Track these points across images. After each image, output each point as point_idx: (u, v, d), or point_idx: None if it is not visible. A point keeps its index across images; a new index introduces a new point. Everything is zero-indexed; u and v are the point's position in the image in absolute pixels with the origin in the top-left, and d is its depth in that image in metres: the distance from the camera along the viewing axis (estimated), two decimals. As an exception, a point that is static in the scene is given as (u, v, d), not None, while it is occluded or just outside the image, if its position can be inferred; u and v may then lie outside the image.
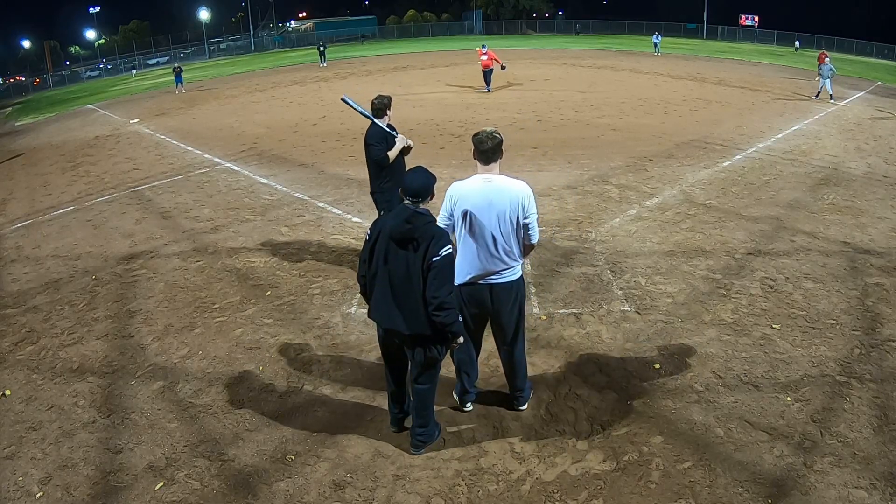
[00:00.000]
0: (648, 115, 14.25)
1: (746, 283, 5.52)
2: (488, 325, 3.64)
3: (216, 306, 5.42)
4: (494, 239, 3.28)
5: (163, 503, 3.23)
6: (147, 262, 6.57)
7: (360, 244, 6.51)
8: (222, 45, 62.70)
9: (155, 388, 4.25)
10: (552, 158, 10.15)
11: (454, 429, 3.69)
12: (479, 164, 3.35)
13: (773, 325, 4.76)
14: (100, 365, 4.60)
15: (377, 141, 5.07)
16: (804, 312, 4.97)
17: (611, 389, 4.01)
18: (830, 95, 16.86)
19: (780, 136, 11.98)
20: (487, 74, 18.47)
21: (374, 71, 27.06)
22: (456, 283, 3.25)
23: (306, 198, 8.52)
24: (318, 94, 19.97)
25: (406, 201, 3.10)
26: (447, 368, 3.87)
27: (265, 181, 9.55)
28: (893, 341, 4.52)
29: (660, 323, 4.84)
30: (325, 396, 4.05)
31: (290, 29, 76.19)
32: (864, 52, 41.34)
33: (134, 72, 46.13)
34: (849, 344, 4.49)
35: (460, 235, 3.34)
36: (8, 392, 4.31)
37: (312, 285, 5.71)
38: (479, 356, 4.39)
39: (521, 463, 3.41)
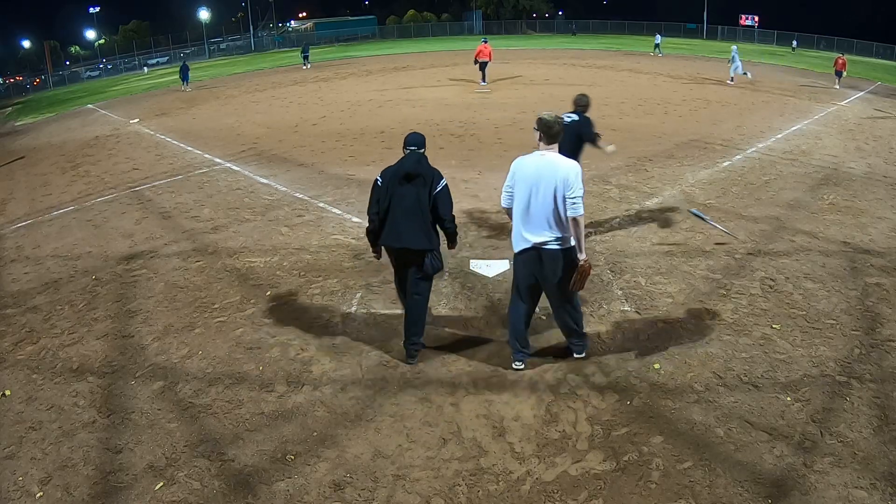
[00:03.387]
0: (648, 115, 14.25)
1: (746, 283, 5.52)
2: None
3: (216, 306, 5.42)
4: (542, 207, 3.71)
5: (163, 503, 3.23)
6: (147, 262, 6.56)
7: (360, 243, 6.56)
8: (222, 45, 62.74)
9: (155, 388, 4.25)
10: (552, 158, 10.14)
11: (454, 428, 3.69)
12: (541, 144, 3.80)
13: (773, 325, 4.76)
14: (100, 365, 4.60)
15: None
16: (804, 312, 4.96)
17: (611, 389, 4.01)
18: (745, 75, 20.05)
19: (780, 136, 11.98)
20: (482, 66, 19.18)
21: (375, 71, 27.06)
22: (515, 251, 3.93)
23: (306, 198, 8.52)
24: (318, 94, 19.97)
25: (410, 149, 4.12)
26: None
27: (265, 181, 9.55)
28: (893, 341, 4.52)
29: (660, 323, 4.84)
30: (325, 396, 4.05)
31: (290, 29, 76.19)
32: (864, 52, 41.32)
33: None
34: (849, 344, 4.49)
35: (516, 203, 3.83)
36: (8, 392, 4.31)
37: (312, 285, 5.71)
38: (481, 357, 4.42)
39: (521, 463, 3.41)
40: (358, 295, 5.45)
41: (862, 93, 19.47)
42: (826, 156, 10.32)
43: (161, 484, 3.35)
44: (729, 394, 3.92)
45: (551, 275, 3.86)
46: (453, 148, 11.11)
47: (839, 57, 20.60)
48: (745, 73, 20.19)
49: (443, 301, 5.26)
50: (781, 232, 6.76)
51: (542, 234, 3.77)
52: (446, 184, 4.10)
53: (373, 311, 5.17)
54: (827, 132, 12.47)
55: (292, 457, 3.51)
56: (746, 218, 7.21)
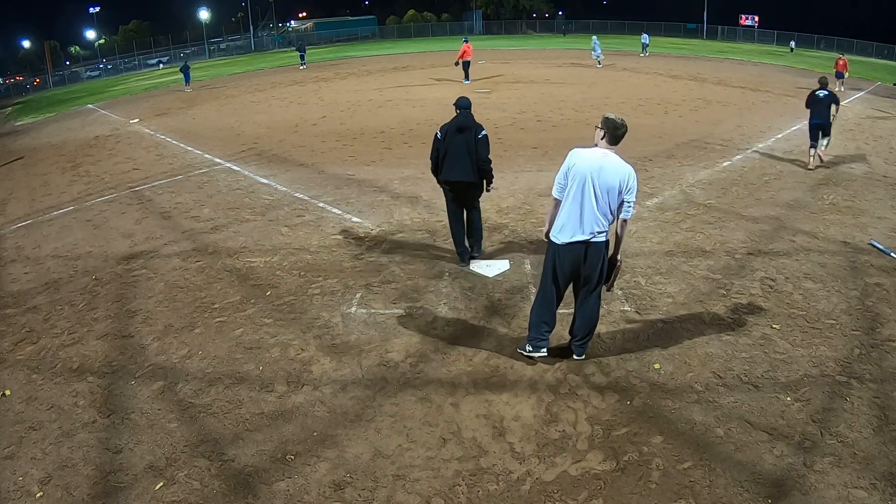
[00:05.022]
0: (648, 115, 14.24)
1: (746, 283, 5.52)
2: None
3: (216, 306, 5.42)
4: (598, 202, 3.80)
5: (163, 503, 3.24)
6: (147, 262, 6.57)
7: (359, 243, 6.65)
8: (222, 45, 62.65)
9: (155, 388, 4.25)
10: (552, 158, 10.13)
11: (454, 428, 3.69)
12: (604, 142, 3.90)
13: (773, 325, 4.76)
14: (100, 365, 4.60)
15: None
16: (804, 312, 4.96)
17: (611, 389, 4.01)
18: (599, 57, 25.97)
19: (780, 136, 11.97)
20: (465, 65, 20.04)
21: (375, 71, 27.06)
22: (560, 242, 3.94)
23: (306, 198, 8.52)
24: (318, 94, 19.97)
25: (461, 110, 5.49)
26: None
27: (265, 181, 9.55)
28: (893, 341, 4.52)
29: (660, 323, 4.84)
30: (325, 396, 4.05)
31: (290, 29, 76.10)
32: (864, 52, 41.32)
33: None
34: (849, 344, 4.49)
35: (569, 194, 3.88)
36: (8, 392, 4.31)
37: (312, 285, 5.71)
38: (481, 357, 4.41)
39: (521, 463, 3.41)
40: (358, 295, 5.45)
41: (862, 93, 19.47)
42: (826, 156, 10.30)
43: (161, 484, 3.35)
44: (729, 394, 3.92)
45: (594, 266, 3.96)
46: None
47: (840, 58, 20.49)
48: (600, 57, 25.97)
49: (443, 301, 5.27)
50: (781, 232, 6.76)
51: (594, 229, 3.85)
52: (486, 133, 5.48)
53: (373, 311, 5.17)
54: (827, 132, 12.44)
55: (292, 457, 3.51)
56: (746, 218, 7.21)
